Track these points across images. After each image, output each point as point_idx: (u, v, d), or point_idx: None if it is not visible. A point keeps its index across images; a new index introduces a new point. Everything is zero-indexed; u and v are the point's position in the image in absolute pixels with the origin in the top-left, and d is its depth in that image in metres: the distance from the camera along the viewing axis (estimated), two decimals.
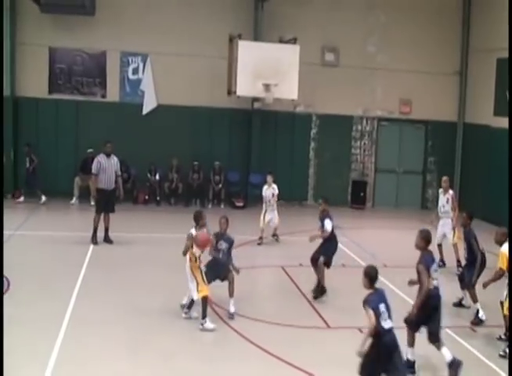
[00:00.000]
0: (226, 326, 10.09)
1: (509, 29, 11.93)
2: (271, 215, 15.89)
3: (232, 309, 10.47)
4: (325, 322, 10.58)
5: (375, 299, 7.45)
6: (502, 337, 9.78)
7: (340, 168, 21.83)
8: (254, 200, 19.13)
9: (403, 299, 11.62)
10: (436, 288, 8.68)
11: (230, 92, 19.28)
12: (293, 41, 19.54)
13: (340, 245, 15.43)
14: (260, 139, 20.86)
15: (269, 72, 18.62)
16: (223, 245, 10.52)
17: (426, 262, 8.73)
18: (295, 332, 9.99)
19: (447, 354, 8.45)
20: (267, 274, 13.80)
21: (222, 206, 20.18)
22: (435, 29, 21.91)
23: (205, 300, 9.82)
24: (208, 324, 9.85)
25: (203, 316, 9.85)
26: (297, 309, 11.21)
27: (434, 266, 8.83)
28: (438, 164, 22.60)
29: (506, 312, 9.35)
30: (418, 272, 8.70)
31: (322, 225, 11.93)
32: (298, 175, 21.45)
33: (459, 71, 22.56)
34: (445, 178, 15.26)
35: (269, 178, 16.04)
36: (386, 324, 7.32)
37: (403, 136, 22.54)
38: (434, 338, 8.55)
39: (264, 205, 15.98)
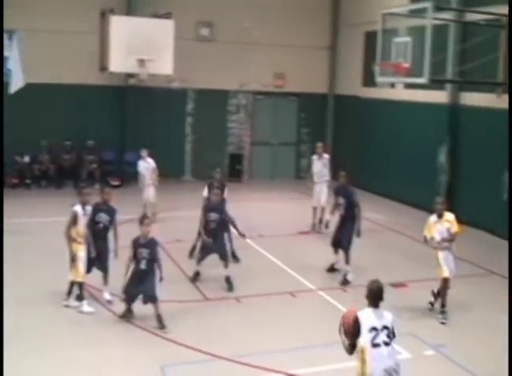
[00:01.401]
0: (105, 309, 10.12)
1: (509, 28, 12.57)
2: (147, 190, 15.60)
3: (107, 297, 10.36)
4: (203, 294, 10.91)
5: None
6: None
7: (216, 143, 22.07)
8: (130, 179, 18.99)
9: (279, 266, 12.11)
10: None
11: (103, 68, 18.98)
12: (168, 15, 19.41)
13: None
14: (135, 116, 20.64)
15: (143, 47, 18.36)
16: (102, 217, 10.28)
17: None
18: (175, 307, 10.16)
19: None
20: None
21: (97, 186, 19.53)
22: (307, 5, 22.54)
23: (82, 283, 9.91)
24: (85, 307, 9.91)
25: (80, 299, 9.91)
26: (177, 284, 11.35)
27: None
28: (310, 135, 23.37)
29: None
30: None
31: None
32: (175, 151, 21.51)
33: (330, 45, 23.35)
34: (319, 144, 15.97)
35: (144, 153, 15.72)
36: None
37: (277, 109, 23.12)
38: None
39: (140, 181, 15.69)
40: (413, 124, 18.83)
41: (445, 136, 17.38)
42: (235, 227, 13.20)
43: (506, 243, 14.94)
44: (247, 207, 18.17)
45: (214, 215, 11.43)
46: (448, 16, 16.38)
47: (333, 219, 12.71)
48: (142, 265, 9.42)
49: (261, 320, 10.00)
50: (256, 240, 14.45)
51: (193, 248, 12.60)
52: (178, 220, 15.60)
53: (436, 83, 14.27)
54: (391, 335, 6.23)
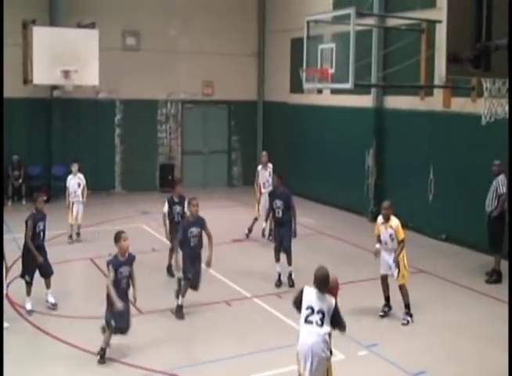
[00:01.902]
0: (35, 328, 9.90)
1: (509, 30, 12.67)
2: (77, 208, 15.02)
3: (51, 300, 10.54)
4: (137, 308, 10.74)
5: None
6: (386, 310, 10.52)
7: (147, 153, 21.83)
8: (58, 194, 18.58)
9: (213, 275, 12.06)
10: None
11: (27, 80, 18.48)
12: (92, 25, 19.12)
13: (149, 230, 15.73)
14: (61, 129, 20.14)
15: (68, 58, 18.05)
16: (41, 226, 10.38)
17: None
18: None
19: None
20: (76, 268, 13.56)
21: (24, 202, 18.97)
22: (234, 13, 22.66)
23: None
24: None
25: None
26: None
27: None
28: (241, 143, 23.50)
29: (401, 281, 10.14)
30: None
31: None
32: (104, 163, 21.12)
33: (258, 52, 23.50)
34: (263, 152, 16.01)
35: (74, 168, 15.13)
36: None
37: (207, 117, 23.10)
38: None
39: (68, 198, 15.05)
40: (341, 129, 19.14)
41: (371, 139, 17.72)
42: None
43: (434, 242, 15.37)
44: None
45: (195, 230, 10.32)
46: (370, 21, 16.75)
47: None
48: (123, 284, 8.69)
49: (197, 331, 9.95)
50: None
51: (170, 266, 12.16)
52: (110, 234, 15.32)
53: (361, 88, 14.51)
54: (326, 321, 6.73)
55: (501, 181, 12.27)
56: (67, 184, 15.16)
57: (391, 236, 10.15)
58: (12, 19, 18.44)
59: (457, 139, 15.11)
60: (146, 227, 16.10)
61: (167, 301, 10.78)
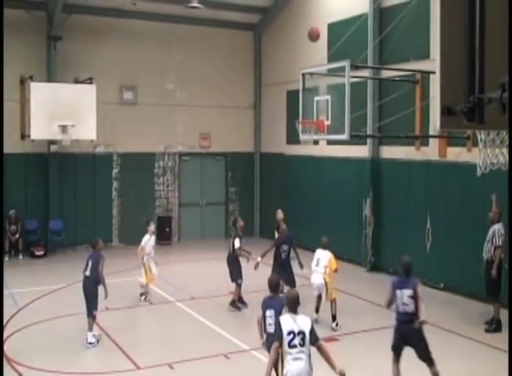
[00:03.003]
0: None
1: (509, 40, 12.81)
2: (154, 268, 14.55)
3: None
4: (134, 363, 10.61)
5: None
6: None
7: (144, 206, 21.80)
8: (55, 248, 18.56)
9: (211, 328, 11.94)
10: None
11: (24, 136, 18.64)
12: (90, 80, 19.39)
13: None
14: (59, 184, 20.20)
15: (65, 113, 18.24)
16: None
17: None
18: None
19: None
20: (71, 324, 13.27)
21: (21, 257, 18.96)
22: (230, 66, 22.98)
23: None
24: None
25: None
26: (106, 354, 11.12)
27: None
28: (238, 194, 23.55)
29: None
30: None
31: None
32: (102, 217, 21.08)
33: (254, 104, 23.74)
34: (279, 210, 15.82)
35: (151, 227, 14.70)
36: (270, 329, 8.17)
37: (204, 170, 23.21)
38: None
39: (143, 258, 14.38)
40: (338, 179, 19.22)
41: (368, 189, 17.78)
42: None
43: (432, 291, 15.25)
44: (177, 269, 18.02)
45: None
46: (365, 73, 16.99)
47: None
48: None
49: None
50: (186, 302, 14.26)
51: (234, 301, 13.81)
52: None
53: (357, 139, 14.65)
54: (307, 340, 7.12)
55: (498, 231, 12.20)
56: (143, 244, 14.45)
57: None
58: (9, 74, 18.69)
59: (453, 188, 15.17)
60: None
61: (164, 354, 10.65)
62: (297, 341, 7.11)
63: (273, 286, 8.55)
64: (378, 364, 10.38)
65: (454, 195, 15.13)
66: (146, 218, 16.27)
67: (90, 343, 11.23)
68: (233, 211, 23.39)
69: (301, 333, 7.14)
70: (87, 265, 11.50)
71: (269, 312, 8.26)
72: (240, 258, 14.23)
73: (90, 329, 11.32)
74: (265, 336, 8.06)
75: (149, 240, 14.51)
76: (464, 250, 14.63)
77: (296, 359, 7.10)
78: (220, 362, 10.64)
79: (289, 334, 7.12)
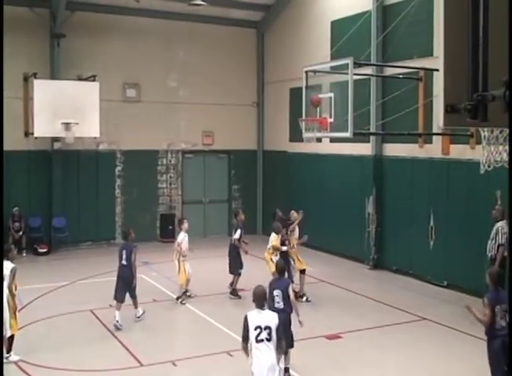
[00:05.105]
0: None
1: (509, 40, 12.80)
2: (188, 266, 14.45)
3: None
4: (138, 361, 10.62)
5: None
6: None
7: (147, 203, 21.82)
8: (58, 245, 18.53)
9: (214, 326, 11.95)
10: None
11: (27, 133, 18.66)
12: (93, 78, 19.40)
13: (150, 280, 15.65)
14: (62, 181, 20.19)
15: (69, 111, 18.28)
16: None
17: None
18: None
19: None
20: (76, 320, 13.17)
21: (24, 254, 18.73)
22: (233, 64, 22.91)
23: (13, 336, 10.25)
24: (13, 357, 10.23)
25: (9, 350, 10.15)
26: (110, 351, 11.12)
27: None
28: (241, 191, 23.52)
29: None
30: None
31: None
32: (105, 214, 21.05)
33: (257, 102, 23.71)
34: (292, 211, 15.73)
35: (185, 224, 14.60)
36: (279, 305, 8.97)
37: (207, 167, 23.18)
38: None
39: (179, 256, 14.26)
40: (341, 177, 19.20)
41: (371, 187, 17.76)
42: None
43: (436, 289, 15.27)
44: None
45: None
46: (368, 71, 16.96)
47: None
48: None
49: None
50: (189, 299, 14.26)
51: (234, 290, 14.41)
52: (110, 285, 15.24)
53: (359, 136, 14.62)
54: (273, 335, 7.38)
55: (501, 229, 12.19)
56: (180, 241, 14.38)
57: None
58: (13, 72, 18.70)
59: (457, 185, 15.15)
60: (146, 277, 15.99)
61: (168, 352, 10.66)
62: (263, 335, 7.37)
63: (280, 269, 9.47)
64: (381, 362, 10.40)
65: (457, 193, 15.12)
66: (180, 217, 16.85)
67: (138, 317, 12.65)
68: (236, 208, 23.32)
69: (268, 328, 7.41)
70: (121, 255, 12.62)
71: (276, 292, 9.12)
72: (241, 250, 14.85)
73: (135, 306, 12.65)
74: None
75: (184, 237, 14.45)
76: (468, 247, 14.61)
77: (263, 353, 7.37)
78: (223, 359, 10.63)
79: (256, 328, 7.39)
